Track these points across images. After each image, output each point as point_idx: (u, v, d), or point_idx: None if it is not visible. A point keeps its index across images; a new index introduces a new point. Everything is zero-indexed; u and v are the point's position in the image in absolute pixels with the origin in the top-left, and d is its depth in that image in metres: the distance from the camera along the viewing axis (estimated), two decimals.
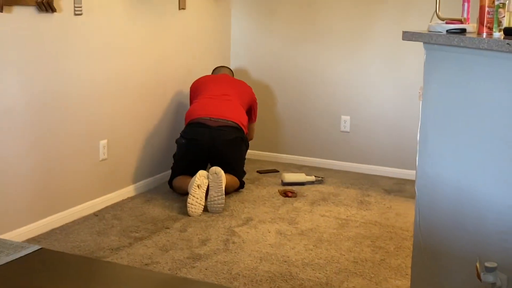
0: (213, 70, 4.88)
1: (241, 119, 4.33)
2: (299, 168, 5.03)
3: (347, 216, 3.96)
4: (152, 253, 3.31)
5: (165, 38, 4.48)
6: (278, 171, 4.92)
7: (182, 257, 3.26)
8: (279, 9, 5.13)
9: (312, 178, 4.66)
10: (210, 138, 4.13)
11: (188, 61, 4.75)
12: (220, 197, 3.88)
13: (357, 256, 3.35)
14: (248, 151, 5.22)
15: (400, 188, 4.58)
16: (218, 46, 5.17)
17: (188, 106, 4.60)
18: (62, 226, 3.63)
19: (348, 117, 5.04)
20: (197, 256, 3.28)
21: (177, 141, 4.30)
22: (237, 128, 4.26)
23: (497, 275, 2.14)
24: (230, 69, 4.94)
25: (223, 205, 3.90)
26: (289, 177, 4.61)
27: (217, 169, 3.91)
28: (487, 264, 2.15)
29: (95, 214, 3.85)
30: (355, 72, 4.95)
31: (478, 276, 2.17)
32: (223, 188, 3.90)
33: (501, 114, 2.15)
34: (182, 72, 4.69)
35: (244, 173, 4.42)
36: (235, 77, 5.02)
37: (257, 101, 4.77)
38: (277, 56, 5.20)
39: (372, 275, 3.11)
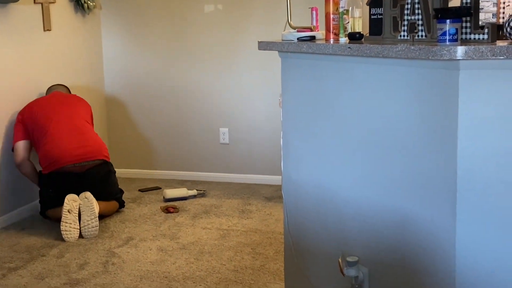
0: (47, 90, 4.46)
1: (103, 149, 4.14)
2: (181, 183, 5.03)
3: (228, 227, 4.00)
4: (26, 282, 3.20)
5: (30, 61, 4.35)
6: (160, 188, 4.89)
7: (58, 284, 3.17)
8: (150, 27, 5.12)
9: (194, 192, 4.68)
10: (80, 184, 3.94)
11: (55, 81, 4.61)
12: (93, 220, 3.80)
13: (237, 264, 3.39)
14: (129, 170, 5.17)
15: (280, 195, 4.67)
16: (90, 66, 5.09)
17: None
18: None
19: (226, 129, 5.10)
20: (74, 281, 3.20)
21: (41, 188, 4.08)
22: (104, 163, 4.13)
23: (358, 268, 2.25)
24: (65, 86, 4.54)
25: (97, 227, 3.82)
26: (171, 193, 4.60)
27: (86, 194, 3.83)
28: (348, 259, 2.25)
29: None
30: (230, 84, 5.03)
31: (342, 271, 2.26)
32: (96, 211, 3.82)
33: (350, 115, 2.26)
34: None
35: (121, 192, 4.35)
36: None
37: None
38: (152, 72, 5.18)
39: (252, 282, 3.16)
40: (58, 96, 4.32)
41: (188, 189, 4.68)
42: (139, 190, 4.85)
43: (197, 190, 4.71)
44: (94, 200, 3.85)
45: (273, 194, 4.70)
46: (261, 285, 3.12)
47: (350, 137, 2.27)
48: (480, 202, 1.84)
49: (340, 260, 2.27)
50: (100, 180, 4.08)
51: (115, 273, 3.29)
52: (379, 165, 2.16)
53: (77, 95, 4.52)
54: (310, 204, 2.53)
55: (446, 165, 1.87)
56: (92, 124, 4.34)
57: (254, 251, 3.57)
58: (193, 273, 3.28)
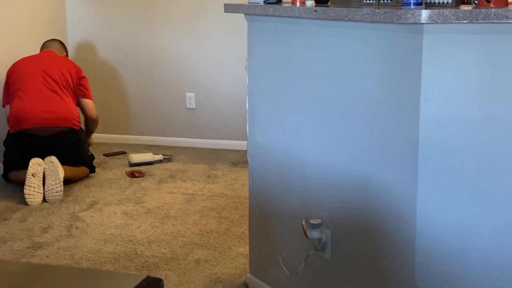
0: (41, 46, 4.51)
1: (72, 118, 4.08)
2: (147, 148, 5.00)
3: (194, 191, 4.00)
4: None
5: None
6: (125, 153, 4.86)
7: (21, 247, 3.15)
8: None
9: (160, 156, 4.66)
10: (46, 148, 3.90)
11: (17, 46, 4.49)
12: (57, 185, 3.76)
13: (202, 228, 3.40)
14: (94, 134, 5.11)
15: (246, 160, 4.66)
16: (52, 29, 4.97)
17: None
18: None
19: (193, 94, 5.07)
20: (37, 244, 3.18)
21: (6, 147, 4.06)
22: (72, 131, 4.08)
23: (322, 231, 2.27)
24: (60, 42, 4.55)
25: (61, 192, 3.78)
26: (136, 157, 4.58)
27: (52, 158, 3.80)
28: (312, 221, 2.28)
29: None
30: (197, 49, 4.98)
31: (305, 233, 2.28)
32: (61, 176, 3.78)
33: (316, 78, 2.26)
34: (11, 58, 4.38)
35: (91, 158, 4.32)
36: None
37: (90, 82, 4.53)
38: (117, 37, 5.10)
39: (217, 245, 3.18)
40: (45, 56, 4.29)
41: (154, 154, 4.66)
42: (104, 155, 4.81)
43: (163, 155, 4.69)
44: (59, 164, 3.81)
45: (239, 159, 4.71)
46: (226, 248, 3.14)
47: (315, 100, 2.28)
48: (441, 166, 1.86)
49: (303, 223, 2.29)
50: (67, 147, 4.04)
51: (79, 237, 3.28)
52: (343, 128, 2.17)
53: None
54: (275, 168, 2.54)
55: (408, 129, 1.89)
56: (79, 91, 4.29)
57: (219, 215, 3.58)
58: (158, 236, 3.29)
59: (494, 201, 1.83)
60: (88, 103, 4.39)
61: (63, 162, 3.88)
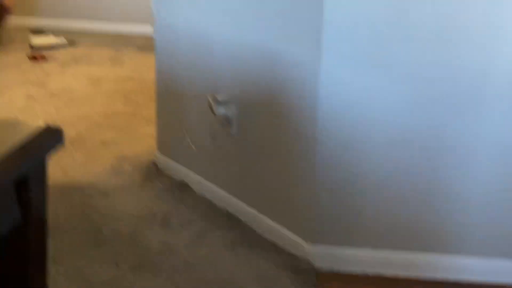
0: None
1: None
2: (50, 31, 4.79)
3: (99, 75, 3.91)
4: None
5: None
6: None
7: None
8: None
9: (62, 40, 4.49)
10: None
11: None
12: None
13: (109, 110, 3.36)
14: None
15: (153, 44, 4.60)
16: None
17: None
18: None
19: None
20: None
21: None
22: None
23: (228, 107, 2.30)
24: None
25: None
26: (38, 40, 4.39)
27: None
28: (219, 98, 2.30)
29: None
30: None
31: (212, 110, 2.31)
32: None
33: None
34: None
35: None
36: None
37: None
38: None
39: (124, 127, 3.17)
40: None
41: (57, 37, 4.49)
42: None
43: (66, 38, 4.53)
44: None
45: (146, 44, 4.61)
46: (132, 129, 3.14)
47: None
48: (345, 38, 1.91)
49: (210, 100, 2.31)
50: None
51: None
52: (249, 4, 2.16)
53: None
54: (182, 48, 2.52)
55: (313, 3, 1.91)
56: None
57: (126, 98, 3.55)
58: (63, 118, 3.23)
59: (393, 71, 1.92)
60: None
61: None
